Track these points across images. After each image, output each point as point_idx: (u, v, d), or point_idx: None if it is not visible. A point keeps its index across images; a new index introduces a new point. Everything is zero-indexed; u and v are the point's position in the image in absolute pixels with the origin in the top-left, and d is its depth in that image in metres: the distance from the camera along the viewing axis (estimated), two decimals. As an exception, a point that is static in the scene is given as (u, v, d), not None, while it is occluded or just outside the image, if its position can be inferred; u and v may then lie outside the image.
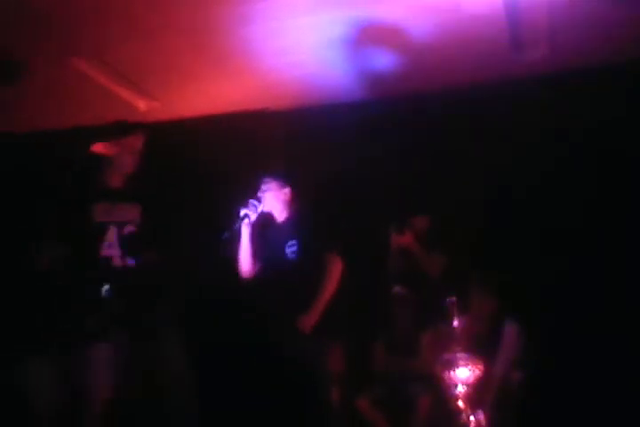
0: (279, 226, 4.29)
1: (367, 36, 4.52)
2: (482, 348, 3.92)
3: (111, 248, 3.73)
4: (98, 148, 3.80)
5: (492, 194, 4.94)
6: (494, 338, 4.47)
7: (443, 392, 3.76)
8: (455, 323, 3.63)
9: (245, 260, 4.26)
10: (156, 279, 3.84)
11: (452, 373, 3.57)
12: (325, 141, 4.99)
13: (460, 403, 3.57)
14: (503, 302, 4.54)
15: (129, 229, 3.80)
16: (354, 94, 5.14)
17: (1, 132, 5.27)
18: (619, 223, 4.72)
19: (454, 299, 3.65)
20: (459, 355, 3.59)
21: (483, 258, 4.68)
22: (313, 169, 4.90)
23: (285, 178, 4.30)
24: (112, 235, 3.75)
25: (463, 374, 3.57)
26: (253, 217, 4.22)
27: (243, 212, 4.20)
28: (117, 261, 3.74)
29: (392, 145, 5.10)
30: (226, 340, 4.90)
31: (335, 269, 4.10)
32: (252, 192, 4.27)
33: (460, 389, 3.57)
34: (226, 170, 5.02)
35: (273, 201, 4.27)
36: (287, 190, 4.28)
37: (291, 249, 4.16)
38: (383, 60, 4.78)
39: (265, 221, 4.30)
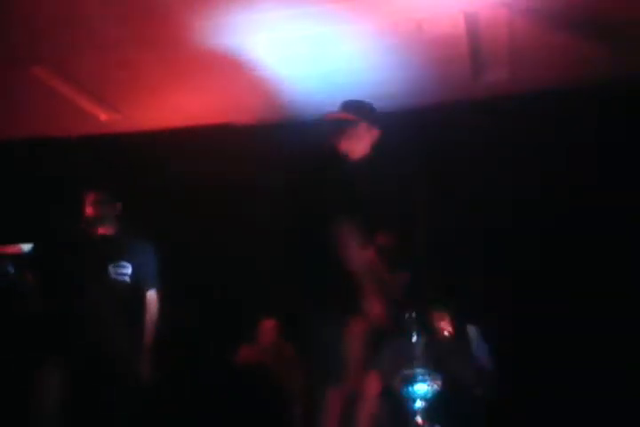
0: None
1: (327, 53, 4.56)
2: (444, 361, 3.95)
3: None
4: (345, 116, 3.64)
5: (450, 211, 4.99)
6: (457, 350, 4.51)
7: (401, 407, 3.77)
8: (414, 339, 3.66)
9: None
10: None
11: (410, 388, 3.59)
12: (288, 157, 5.00)
13: (418, 418, 3.58)
14: (464, 315, 4.59)
15: None
16: (315, 110, 5.16)
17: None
18: (570, 230, 4.82)
19: (414, 315, 3.68)
20: (417, 370, 3.61)
21: (443, 275, 4.72)
22: (271, 183, 4.91)
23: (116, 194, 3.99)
24: None
25: (421, 390, 3.58)
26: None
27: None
28: None
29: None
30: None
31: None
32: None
33: (418, 404, 3.59)
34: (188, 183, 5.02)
35: None
36: None
37: None
38: (341, 80, 4.81)
39: None
